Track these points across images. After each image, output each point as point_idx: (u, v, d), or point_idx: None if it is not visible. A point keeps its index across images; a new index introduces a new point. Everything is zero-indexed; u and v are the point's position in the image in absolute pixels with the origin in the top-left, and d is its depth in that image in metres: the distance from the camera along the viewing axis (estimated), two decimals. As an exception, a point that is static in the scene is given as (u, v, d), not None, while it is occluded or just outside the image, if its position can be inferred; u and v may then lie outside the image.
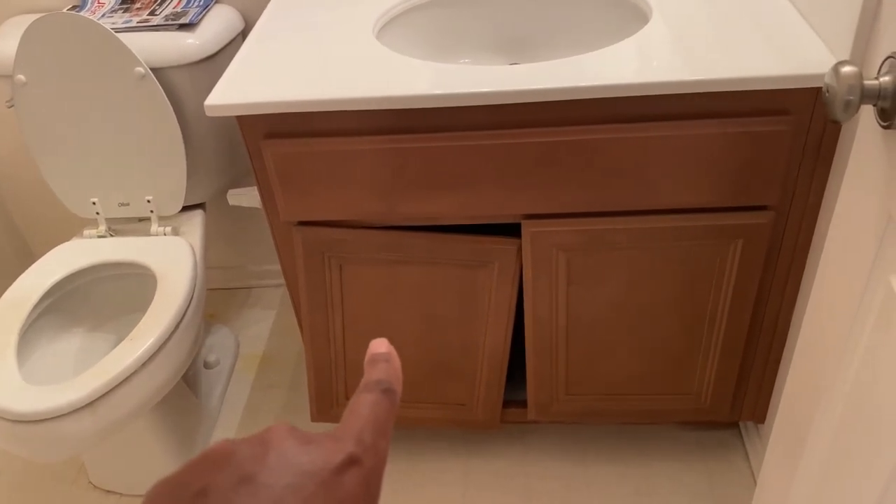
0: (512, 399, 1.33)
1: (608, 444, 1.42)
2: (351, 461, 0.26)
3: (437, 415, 1.32)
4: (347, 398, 1.29)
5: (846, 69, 0.57)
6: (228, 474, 0.25)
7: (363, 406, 0.29)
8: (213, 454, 0.26)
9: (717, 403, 1.25)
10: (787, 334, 1.17)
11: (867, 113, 0.64)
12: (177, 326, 1.23)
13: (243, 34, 1.40)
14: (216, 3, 1.37)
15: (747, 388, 1.25)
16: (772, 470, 0.97)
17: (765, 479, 1.01)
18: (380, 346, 0.33)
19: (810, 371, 0.80)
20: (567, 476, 1.38)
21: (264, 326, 1.77)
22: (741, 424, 1.42)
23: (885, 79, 0.58)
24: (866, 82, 0.58)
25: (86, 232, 1.44)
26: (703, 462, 1.37)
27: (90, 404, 1.11)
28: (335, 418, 1.32)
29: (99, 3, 1.38)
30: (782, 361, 1.20)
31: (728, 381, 1.21)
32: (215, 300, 1.85)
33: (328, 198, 1.05)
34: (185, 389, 1.46)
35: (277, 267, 1.82)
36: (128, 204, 1.42)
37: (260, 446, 0.26)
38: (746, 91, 0.91)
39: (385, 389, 0.30)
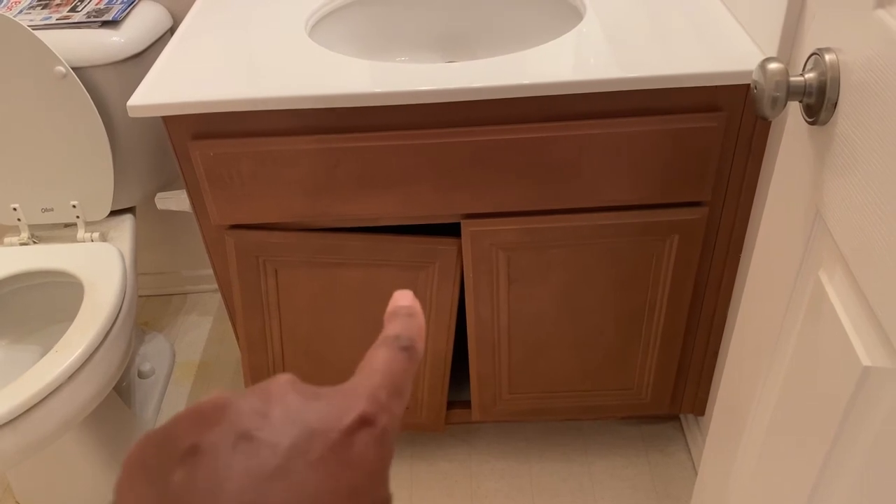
0: (455, 400, 1.32)
1: (552, 442, 1.42)
2: (363, 421, 0.23)
3: (380, 418, 1.29)
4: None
5: (773, 66, 0.58)
6: (224, 430, 0.22)
7: (378, 361, 0.26)
8: (207, 406, 0.22)
9: (657, 397, 1.27)
10: (724, 327, 1.19)
11: (794, 109, 0.65)
12: (105, 336, 1.18)
13: (171, 31, 1.35)
14: (142, -1, 1.32)
15: (686, 381, 1.26)
16: (711, 460, 0.98)
17: (705, 470, 1.02)
18: (403, 298, 0.30)
19: (746, 363, 0.82)
20: (512, 475, 1.37)
21: (201, 333, 1.72)
22: (681, 417, 1.44)
23: (811, 75, 0.58)
24: (792, 79, 0.58)
25: (7, 239, 1.37)
26: (645, 455, 1.39)
27: (11, 421, 1.06)
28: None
29: (15, -2, 1.31)
30: (720, 354, 1.22)
31: (667, 375, 1.23)
32: (149, 307, 1.79)
33: (261, 200, 1.02)
34: (117, 401, 1.40)
35: (214, 271, 1.77)
36: (52, 209, 1.35)
37: (261, 399, 0.23)
38: (679, 88, 0.92)
39: (404, 346, 0.27)
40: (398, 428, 0.25)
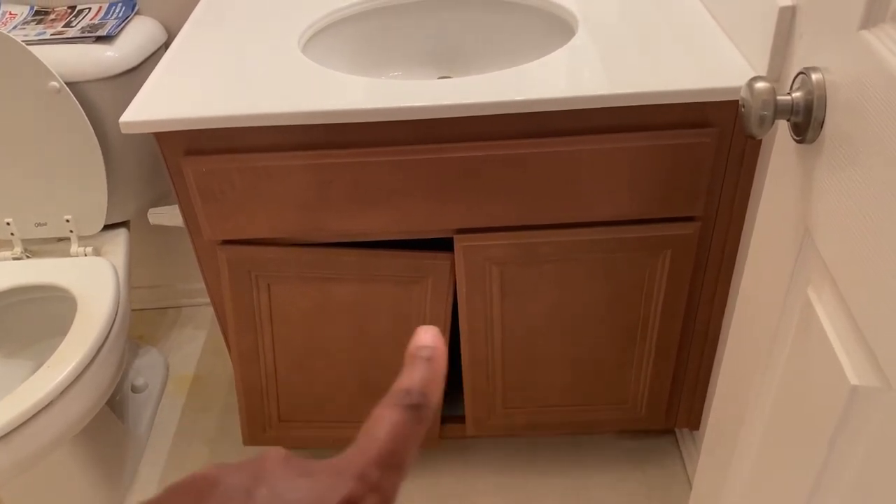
0: (450, 414, 1.31)
1: (547, 456, 1.42)
2: (349, 501, 0.23)
3: (373, 433, 1.29)
4: (280, 420, 1.26)
5: (760, 85, 0.58)
6: None
7: (381, 428, 0.25)
8: (198, 481, 0.23)
9: (652, 412, 1.26)
10: (717, 342, 1.19)
11: (783, 127, 0.65)
12: (98, 351, 1.17)
13: (166, 46, 1.36)
14: (136, 14, 1.32)
15: (681, 396, 1.26)
16: (705, 475, 0.98)
17: (699, 484, 1.02)
18: (426, 335, 0.28)
19: (738, 379, 0.82)
20: (508, 489, 1.37)
21: (195, 347, 1.71)
22: (677, 432, 1.44)
23: (797, 94, 0.59)
24: (780, 97, 0.59)
25: None
26: (640, 470, 1.38)
27: (5, 437, 1.05)
28: (268, 442, 1.28)
29: (10, 14, 1.31)
30: (714, 369, 1.22)
31: (662, 389, 1.23)
32: (143, 320, 1.79)
33: (253, 216, 1.02)
34: (110, 416, 1.40)
35: (209, 285, 1.77)
36: (45, 224, 1.35)
37: (250, 477, 0.23)
38: (670, 104, 0.92)
39: (413, 405, 0.26)
40: (394, 500, 0.25)
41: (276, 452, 0.24)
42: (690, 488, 1.34)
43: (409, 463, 0.25)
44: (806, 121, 0.59)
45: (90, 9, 1.32)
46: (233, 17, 1.18)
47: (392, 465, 0.25)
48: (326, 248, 1.07)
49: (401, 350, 1.17)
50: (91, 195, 1.31)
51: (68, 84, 1.20)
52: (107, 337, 1.20)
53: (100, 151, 1.25)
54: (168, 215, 1.22)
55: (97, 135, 1.24)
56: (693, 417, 1.29)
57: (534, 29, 1.18)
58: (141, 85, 1.00)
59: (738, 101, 0.91)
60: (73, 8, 1.32)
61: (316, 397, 1.24)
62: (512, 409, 1.27)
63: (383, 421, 0.25)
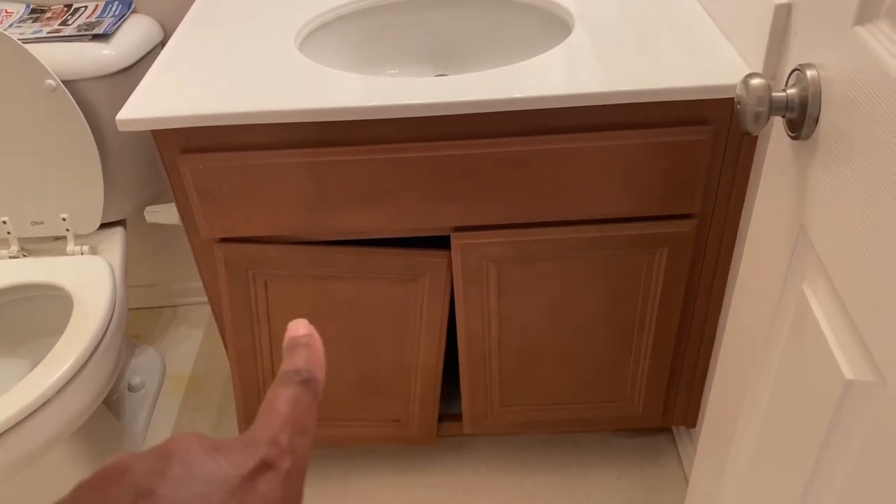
0: (447, 412, 1.32)
1: (545, 454, 1.42)
2: (264, 466, 0.24)
3: (371, 433, 1.29)
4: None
5: (755, 81, 0.58)
6: (124, 491, 0.22)
7: (280, 402, 0.27)
8: (108, 470, 0.23)
9: (648, 410, 1.27)
10: (714, 339, 1.19)
11: (778, 124, 0.65)
12: (95, 350, 1.17)
13: (162, 45, 1.36)
14: (133, 13, 1.32)
15: (678, 393, 1.26)
16: (701, 472, 0.98)
17: (695, 482, 1.02)
18: (299, 327, 0.30)
19: (734, 375, 0.82)
20: (505, 488, 1.37)
21: (192, 346, 1.71)
22: (674, 429, 1.44)
23: (792, 91, 0.59)
24: (775, 94, 0.59)
25: (-4, 252, 1.37)
26: (638, 468, 1.39)
27: (1, 435, 1.05)
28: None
29: (6, 12, 1.31)
30: (711, 366, 1.22)
31: (659, 387, 1.23)
32: (140, 320, 1.79)
33: (250, 213, 1.02)
34: (106, 414, 1.40)
35: (206, 284, 1.77)
36: (42, 222, 1.35)
37: (161, 458, 0.23)
38: (667, 101, 0.92)
39: (304, 380, 0.28)
40: (305, 466, 0.26)
41: (185, 434, 0.25)
42: (687, 485, 1.34)
43: (312, 429, 0.27)
44: (801, 117, 0.59)
45: (86, 7, 1.32)
46: (229, 14, 1.18)
47: (298, 430, 0.26)
48: (324, 245, 1.07)
49: (399, 348, 1.18)
50: (87, 193, 1.30)
51: (64, 82, 1.19)
52: (103, 336, 1.20)
53: (96, 150, 1.25)
54: (165, 213, 1.22)
55: (93, 133, 1.24)
56: (690, 415, 1.29)
57: (531, 27, 1.18)
58: (137, 83, 1.00)
59: (733, 98, 0.92)
60: (69, 6, 1.32)
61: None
62: (509, 407, 1.27)
63: (281, 397, 0.27)
